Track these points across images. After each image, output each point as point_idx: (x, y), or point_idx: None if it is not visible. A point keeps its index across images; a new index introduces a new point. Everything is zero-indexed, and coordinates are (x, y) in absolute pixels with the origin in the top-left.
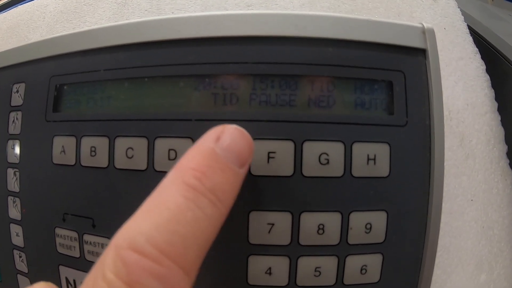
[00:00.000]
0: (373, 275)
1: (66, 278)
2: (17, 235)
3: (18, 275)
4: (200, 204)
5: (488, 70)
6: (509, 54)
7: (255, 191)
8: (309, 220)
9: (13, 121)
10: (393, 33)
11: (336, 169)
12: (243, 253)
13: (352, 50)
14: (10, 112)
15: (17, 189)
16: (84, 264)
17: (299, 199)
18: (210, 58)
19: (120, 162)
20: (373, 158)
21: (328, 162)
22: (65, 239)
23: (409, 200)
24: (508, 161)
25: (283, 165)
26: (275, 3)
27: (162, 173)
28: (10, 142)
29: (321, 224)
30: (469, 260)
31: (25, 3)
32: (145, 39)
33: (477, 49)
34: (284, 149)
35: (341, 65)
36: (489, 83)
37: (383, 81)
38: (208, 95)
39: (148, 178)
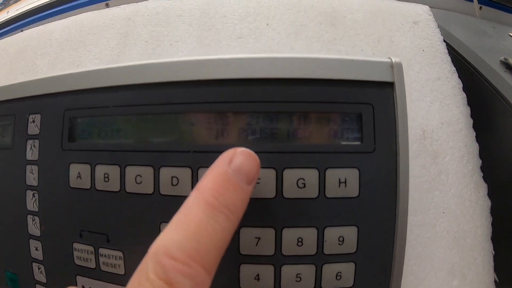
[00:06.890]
0: (348, 280)
1: (83, 287)
2: (36, 249)
3: (37, 285)
4: (218, 219)
5: (465, 88)
6: (485, 72)
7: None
8: (290, 234)
9: (31, 148)
10: (364, 70)
11: (311, 191)
12: (235, 262)
13: (325, 88)
14: (27, 140)
15: (36, 209)
16: (99, 274)
17: (281, 217)
18: (202, 98)
19: (131, 187)
20: (344, 181)
21: (304, 186)
22: (82, 252)
23: (378, 216)
24: (482, 174)
25: (267, 189)
26: (264, 34)
27: (167, 197)
28: (29, 167)
29: (300, 238)
30: (441, 267)
31: (29, 27)
32: (148, 81)
33: (454, 68)
34: (267, 176)
35: (314, 102)
36: (465, 100)
37: (353, 114)
38: (203, 130)
39: (154, 201)
